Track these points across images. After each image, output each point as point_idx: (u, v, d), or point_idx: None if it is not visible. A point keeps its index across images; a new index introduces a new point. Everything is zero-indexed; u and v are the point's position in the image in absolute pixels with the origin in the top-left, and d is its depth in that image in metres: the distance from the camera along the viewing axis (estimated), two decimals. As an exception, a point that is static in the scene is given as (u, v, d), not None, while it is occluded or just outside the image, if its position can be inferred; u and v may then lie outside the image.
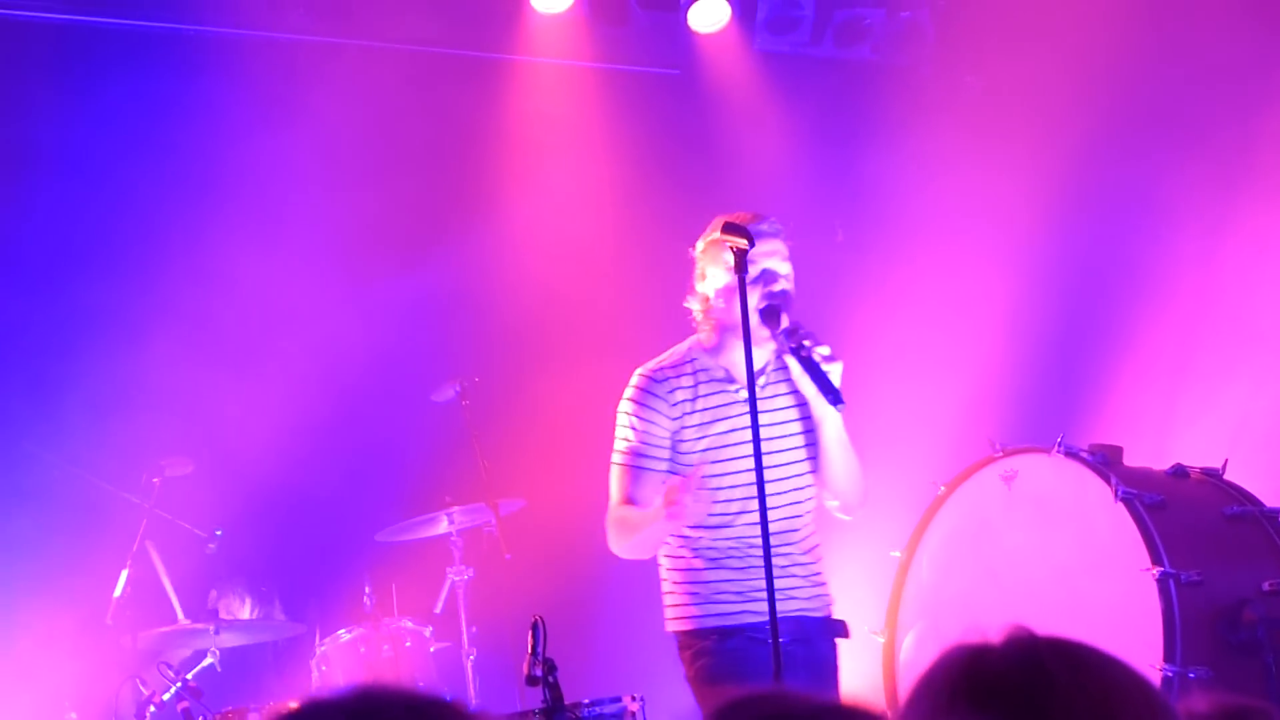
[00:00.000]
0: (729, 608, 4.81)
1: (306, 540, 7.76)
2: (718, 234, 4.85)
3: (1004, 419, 7.30)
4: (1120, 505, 5.33)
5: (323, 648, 7.11)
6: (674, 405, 4.90)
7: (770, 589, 4.47)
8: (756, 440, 4.61)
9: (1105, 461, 5.55)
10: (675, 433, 4.89)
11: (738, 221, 4.77)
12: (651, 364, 5.03)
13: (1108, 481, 5.39)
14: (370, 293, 8.02)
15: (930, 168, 8.37)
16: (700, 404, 4.91)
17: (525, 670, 4.76)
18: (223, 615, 7.23)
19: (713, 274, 4.95)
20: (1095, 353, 8.11)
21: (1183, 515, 5.44)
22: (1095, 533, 5.43)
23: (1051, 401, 7.88)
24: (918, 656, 5.78)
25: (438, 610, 7.29)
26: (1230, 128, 8.02)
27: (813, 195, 8.48)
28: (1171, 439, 7.27)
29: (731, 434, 4.88)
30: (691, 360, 4.99)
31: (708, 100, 8.87)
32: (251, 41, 8.04)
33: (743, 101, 8.83)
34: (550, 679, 4.80)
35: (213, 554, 7.14)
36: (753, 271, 4.77)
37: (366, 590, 7.21)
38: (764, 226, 4.88)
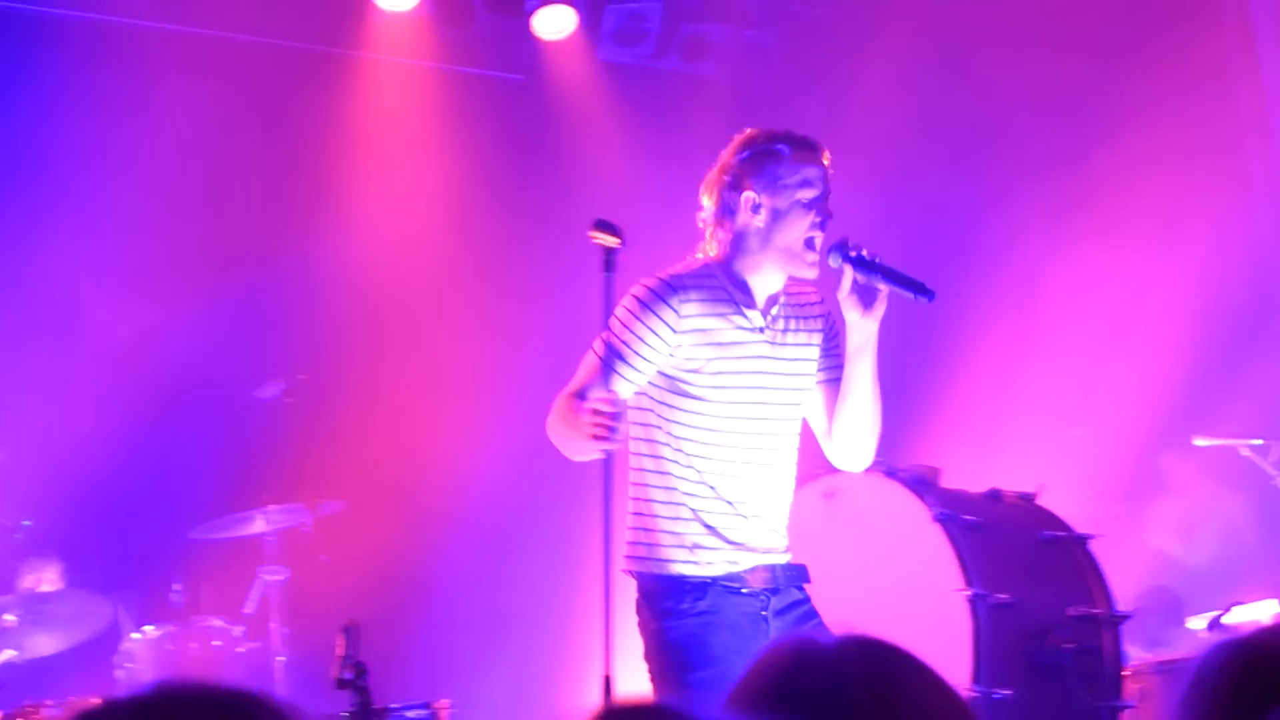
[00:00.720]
0: (707, 555, 4.36)
1: (117, 535, 7.58)
2: (769, 145, 4.41)
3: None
4: (936, 526, 5.39)
5: (128, 644, 6.94)
6: (682, 318, 4.31)
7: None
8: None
9: (922, 482, 5.61)
10: (673, 349, 4.33)
11: (605, 228, 4.38)
12: (669, 270, 4.44)
13: (924, 502, 5.44)
14: (200, 287, 7.86)
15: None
16: (713, 324, 4.36)
17: (335, 674, 4.66)
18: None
19: (760, 186, 4.38)
20: (922, 376, 8.21)
21: (996, 538, 5.51)
22: (911, 552, 5.48)
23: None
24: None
25: (249, 611, 7.16)
26: (1066, 163, 8.20)
27: (651, 205, 8.48)
28: (989, 463, 7.39)
29: (740, 363, 4.38)
30: (712, 276, 4.43)
31: (550, 107, 8.85)
32: (83, 24, 7.84)
33: (585, 110, 8.83)
34: (360, 683, 4.71)
35: (20, 543, 6.96)
36: (805, 195, 4.38)
37: (176, 587, 7.07)
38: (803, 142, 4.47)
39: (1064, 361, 8.28)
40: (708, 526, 4.35)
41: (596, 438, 4.06)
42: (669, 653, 4.31)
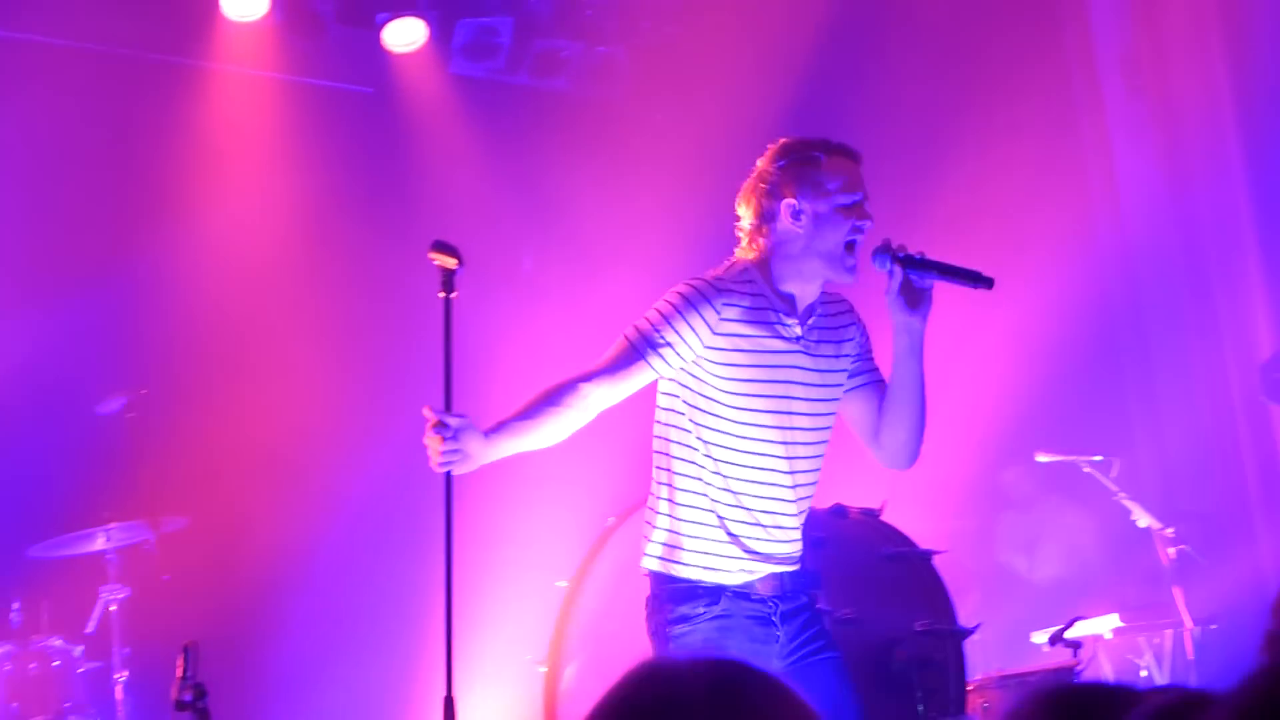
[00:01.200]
0: (725, 563, 4.32)
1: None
2: (806, 152, 4.41)
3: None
4: (781, 542, 5.41)
5: (-36, 665, 6.77)
6: (722, 320, 4.29)
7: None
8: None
9: (769, 499, 5.63)
10: (707, 348, 4.28)
11: (444, 249, 4.33)
12: (714, 271, 4.42)
13: (771, 519, 5.47)
14: (40, 298, 7.69)
15: (614, 196, 8.43)
16: (752, 330, 4.33)
17: (174, 695, 4.58)
18: None
19: (800, 193, 4.37)
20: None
21: (841, 554, 5.55)
22: (757, 569, 5.51)
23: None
24: (580, 688, 5.78)
25: (89, 630, 7.01)
26: (913, 176, 8.29)
27: (502, 220, 8.47)
28: (834, 478, 7.44)
29: (776, 371, 4.35)
30: (753, 281, 4.39)
31: (400, 120, 8.78)
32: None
33: (435, 123, 8.77)
34: (199, 705, 4.63)
35: None
36: (844, 199, 4.37)
37: (15, 606, 6.90)
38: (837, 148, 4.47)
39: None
40: (731, 535, 4.32)
41: (440, 463, 4.07)
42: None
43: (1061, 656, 6.31)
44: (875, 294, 4.41)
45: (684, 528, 4.36)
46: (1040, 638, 7.66)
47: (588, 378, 4.28)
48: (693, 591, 4.32)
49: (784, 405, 4.36)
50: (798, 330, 4.39)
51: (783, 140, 4.52)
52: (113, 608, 6.94)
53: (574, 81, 8.97)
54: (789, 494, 4.39)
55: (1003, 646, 7.75)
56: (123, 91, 8.01)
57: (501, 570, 7.52)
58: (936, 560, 5.97)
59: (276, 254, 8.19)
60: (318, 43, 8.47)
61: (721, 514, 4.33)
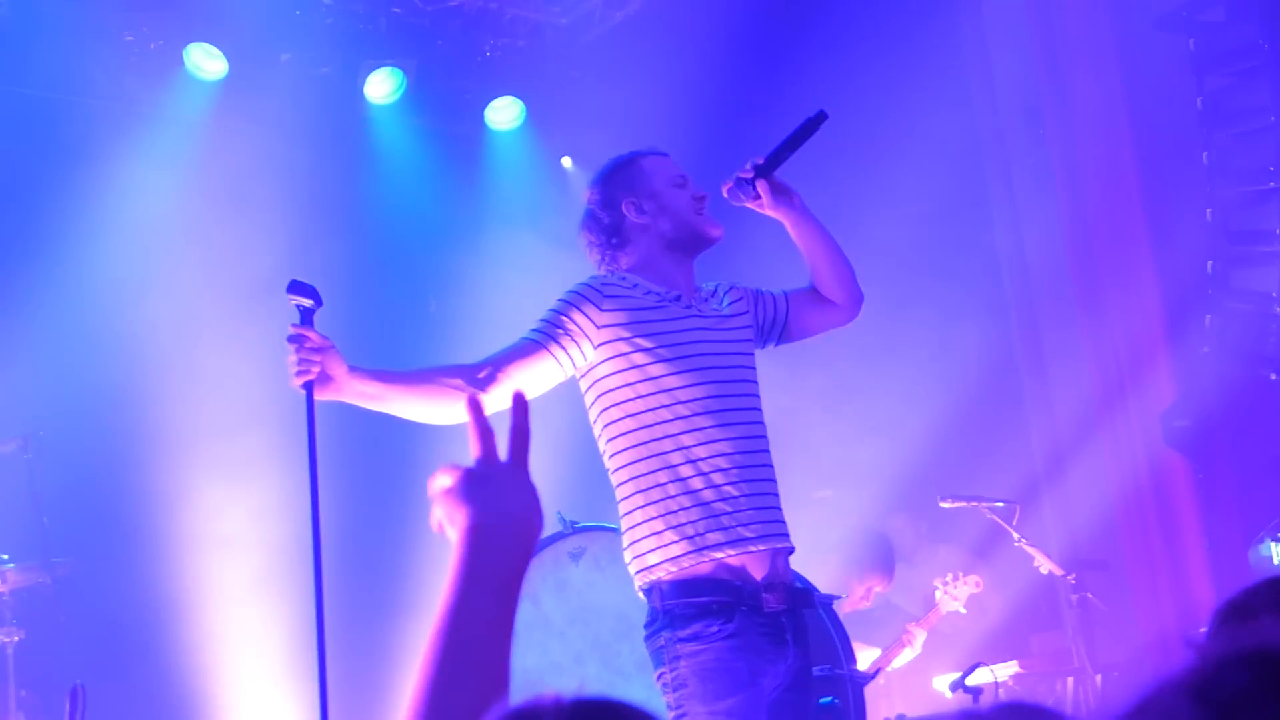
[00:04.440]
0: (713, 538, 4.22)
1: None
2: (618, 160, 4.64)
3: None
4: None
5: None
6: (604, 311, 4.34)
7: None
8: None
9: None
10: (600, 333, 4.31)
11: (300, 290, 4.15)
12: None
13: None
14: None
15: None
16: (641, 315, 4.38)
17: (60, 738, 4.52)
18: None
19: (632, 191, 4.54)
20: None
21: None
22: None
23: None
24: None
25: (-18, 673, 6.90)
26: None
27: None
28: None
29: (679, 335, 4.37)
30: (626, 280, 4.47)
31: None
32: None
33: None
34: (86, 748, 4.58)
35: None
36: (671, 176, 4.57)
37: (-95, 650, 6.78)
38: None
39: (816, 423, 8.42)
40: (702, 504, 4.23)
41: (297, 373, 3.99)
42: (698, 679, 4.16)
43: (962, 703, 6.34)
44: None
45: (657, 523, 4.26)
46: (941, 683, 7.69)
47: (488, 364, 4.28)
48: (705, 608, 4.21)
49: (700, 362, 4.36)
50: (686, 304, 4.45)
51: (594, 176, 4.68)
52: (7, 650, 6.83)
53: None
54: (745, 459, 4.31)
55: (903, 692, 7.77)
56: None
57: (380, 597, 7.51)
58: (837, 605, 5.99)
59: (170, 287, 8.01)
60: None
61: (688, 488, 4.25)
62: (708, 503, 4.24)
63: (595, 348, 4.33)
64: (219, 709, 7.53)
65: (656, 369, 4.32)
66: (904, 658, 7.57)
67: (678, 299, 4.45)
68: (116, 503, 7.58)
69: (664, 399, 4.30)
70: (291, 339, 4.02)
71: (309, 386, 4.03)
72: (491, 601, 1.91)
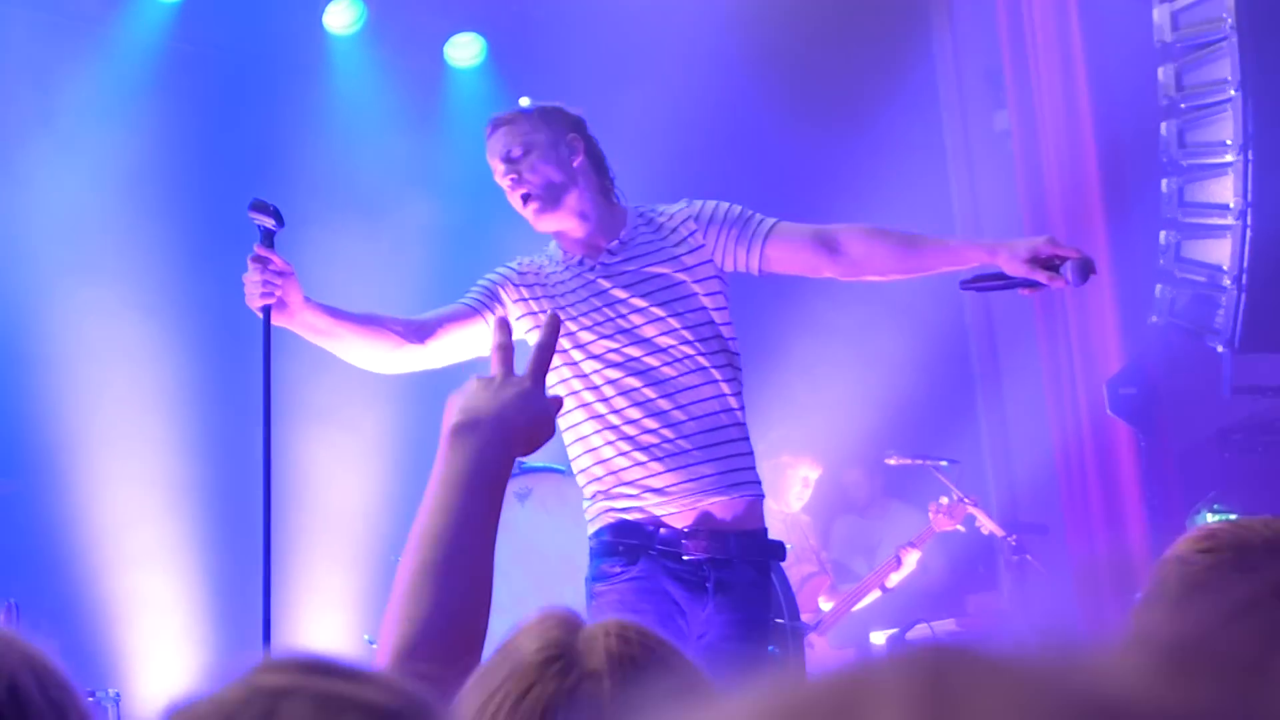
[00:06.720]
0: (624, 491, 4.28)
1: None
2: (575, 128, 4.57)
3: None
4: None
5: None
6: (522, 264, 4.51)
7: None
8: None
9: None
10: (520, 287, 4.45)
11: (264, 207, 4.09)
12: None
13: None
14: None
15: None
16: (547, 278, 4.49)
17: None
18: None
19: (555, 154, 4.50)
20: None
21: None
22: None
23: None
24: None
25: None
26: (775, 182, 8.31)
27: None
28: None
29: (574, 294, 4.43)
30: (544, 250, 4.60)
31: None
32: None
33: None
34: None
35: None
36: (496, 165, 4.52)
37: None
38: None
39: (764, 378, 8.41)
40: (604, 462, 4.32)
41: (261, 295, 3.97)
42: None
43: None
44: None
45: (584, 476, 4.37)
46: (879, 638, 7.73)
47: (430, 320, 4.36)
48: (611, 548, 4.26)
49: (615, 326, 4.37)
50: (586, 265, 4.46)
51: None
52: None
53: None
54: (659, 418, 4.31)
55: (841, 645, 7.80)
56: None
57: (335, 549, 7.44)
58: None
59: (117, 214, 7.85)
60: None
61: (595, 445, 4.34)
62: (607, 459, 4.32)
63: (517, 319, 4.39)
64: (157, 629, 7.44)
65: (574, 339, 4.36)
66: (898, 577, 7.63)
67: (580, 262, 4.47)
68: (53, 424, 7.44)
69: (571, 368, 4.36)
70: (254, 259, 3.97)
71: (267, 310, 3.99)
72: (469, 499, 1.96)
